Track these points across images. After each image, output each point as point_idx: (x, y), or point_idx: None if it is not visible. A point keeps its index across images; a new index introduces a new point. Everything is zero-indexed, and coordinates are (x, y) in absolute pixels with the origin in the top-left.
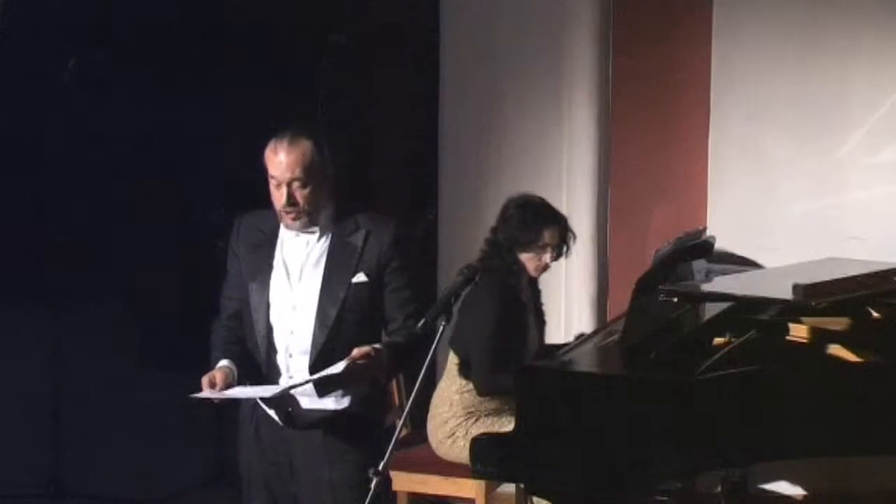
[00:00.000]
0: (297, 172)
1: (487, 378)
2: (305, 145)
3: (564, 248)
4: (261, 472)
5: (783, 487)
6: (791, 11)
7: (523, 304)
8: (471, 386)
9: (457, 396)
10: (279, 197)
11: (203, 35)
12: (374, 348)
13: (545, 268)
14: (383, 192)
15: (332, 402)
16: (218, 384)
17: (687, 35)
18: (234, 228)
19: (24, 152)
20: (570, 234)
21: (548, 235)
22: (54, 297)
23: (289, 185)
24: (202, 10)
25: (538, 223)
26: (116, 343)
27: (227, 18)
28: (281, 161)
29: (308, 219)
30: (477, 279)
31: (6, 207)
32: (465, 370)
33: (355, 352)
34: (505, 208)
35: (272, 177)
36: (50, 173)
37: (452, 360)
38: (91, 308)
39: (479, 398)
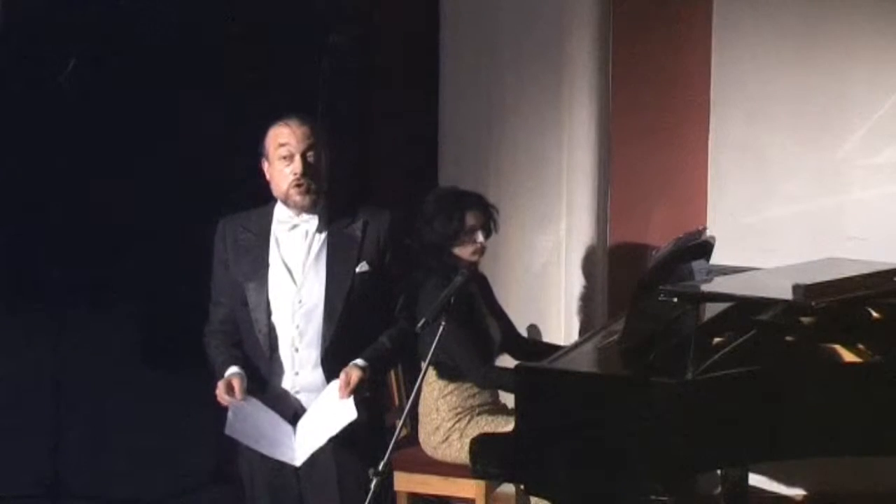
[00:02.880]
0: (313, 140)
1: (482, 371)
2: (313, 124)
3: (492, 224)
4: (265, 475)
5: (783, 487)
6: (791, 11)
7: (471, 296)
8: (451, 387)
9: (441, 401)
10: (293, 168)
11: (203, 35)
12: (360, 368)
13: (482, 249)
14: (383, 192)
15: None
16: (237, 391)
17: (687, 35)
18: (217, 232)
19: (24, 152)
20: (493, 209)
21: (471, 218)
22: (54, 297)
23: (303, 154)
24: (202, 10)
25: (458, 210)
26: (116, 343)
27: (227, 18)
28: (294, 131)
29: (315, 196)
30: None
31: (6, 207)
32: (446, 374)
33: (344, 385)
34: (421, 210)
35: (282, 146)
36: (50, 173)
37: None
38: (91, 308)
39: (462, 397)
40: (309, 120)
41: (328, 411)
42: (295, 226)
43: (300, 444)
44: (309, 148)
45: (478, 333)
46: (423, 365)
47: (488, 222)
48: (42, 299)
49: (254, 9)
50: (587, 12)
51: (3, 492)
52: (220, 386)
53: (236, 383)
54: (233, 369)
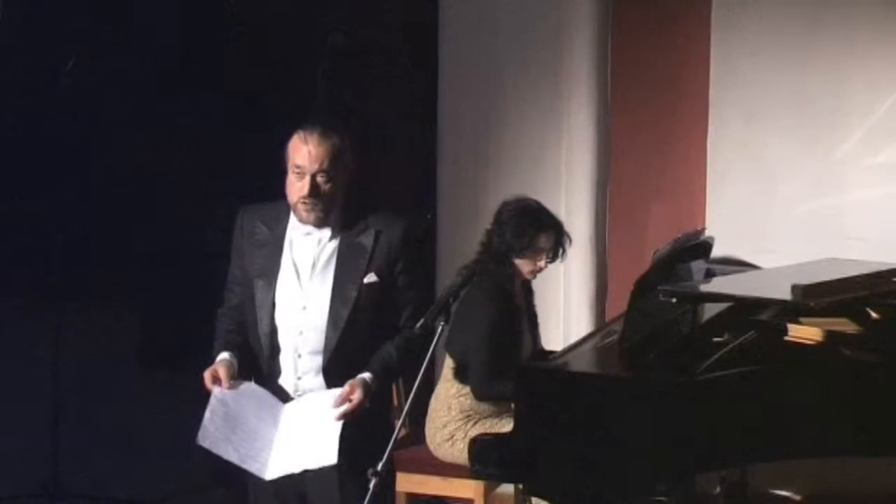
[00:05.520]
0: (325, 164)
1: (485, 385)
2: (335, 140)
3: (560, 251)
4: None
5: (783, 487)
6: (791, 12)
7: (517, 308)
8: (468, 389)
9: (454, 400)
10: (300, 187)
11: (203, 35)
12: (365, 384)
13: (540, 270)
14: (382, 193)
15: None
16: (223, 381)
17: (687, 35)
18: (237, 221)
19: (24, 152)
20: (566, 238)
21: (543, 240)
22: (54, 297)
23: (313, 176)
24: (202, 9)
25: (533, 228)
26: (116, 343)
27: (227, 18)
28: (310, 151)
29: (323, 215)
30: (474, 280)
31: (6, 207)
32: (461, 374)
33: (342, 400)
34: (499, 213)
35: (297, 166)
36: (50, 173)
37: (449, 363)
38: (91, 308)
39: (476, 401)
40: (333, 135)
41: (312, 433)
42: (308, 233)
43: (275, 459)
44: (320, 170)
45: (508, 347)
46: (441, 363)
47: (557, 249)
48: (42, 299)
49: (254, 9)
50: (586, 12)
51: (2, 492)
52: (207, 375)
53: (222, 372)
54: (223, 355)
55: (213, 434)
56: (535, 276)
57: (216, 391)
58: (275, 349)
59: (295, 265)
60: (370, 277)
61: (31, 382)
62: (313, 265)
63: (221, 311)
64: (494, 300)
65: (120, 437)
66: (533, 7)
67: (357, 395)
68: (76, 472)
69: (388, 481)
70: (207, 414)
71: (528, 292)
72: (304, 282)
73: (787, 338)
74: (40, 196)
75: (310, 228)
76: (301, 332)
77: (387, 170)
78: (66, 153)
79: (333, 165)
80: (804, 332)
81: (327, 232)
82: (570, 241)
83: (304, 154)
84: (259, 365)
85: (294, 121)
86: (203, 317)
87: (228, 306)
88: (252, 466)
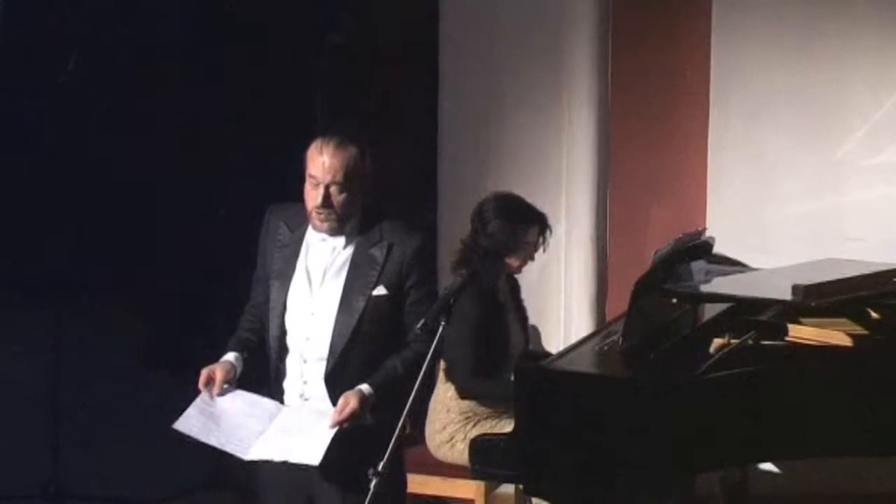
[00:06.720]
0: (339, 177)
1: (468, 381)
2: (351, 151)
3: (543, 245)
4: (276, 478)
5: (783, 487)
6: (790, 12)
7: (502, 305)
8: None
9: (453, 402)
10: (314, 197)
11: (203, 34)
12: (362, 396)
13: (526, 262)
14: (381, 193)
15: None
16: (217, 382)
17: (687, 35)
18: (264, 220)
19: (25, 151)
20: (549, 229)
21: (532, 234)
22: (54, 296)
23: (327, 187)
24: (202, 9)
25: (523, 225)
26: (116, 343)
27: (227, 18)
28: (324, 162)
29: (337, 224)
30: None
31: (7, 206)
32: (448, 374)
33: (337, 413)
34: (481, 212)
35: (311, 176)
36: (50, 172)
37: (443, 365)
38: (91, 308)
39: (475, 402)
40: (350, 146)
41: (305, 431)
42: (324, 239)
43: (260, 445)
44: (334, 181)
45: (495, 344)
46: (438, 364)
47: (542, 242)
48: (42, 299)
49: (254, 9)
50: (587, 13)
51: (2, 492)
52: (203, 373)
53: (218, 374)
54: (227, 356)
55: (194, 420)
56: (521, 270)
57: (204, 393)
58: (283, 351)
59: (308, 270)
60: (379, 290)
61: (31, 382)
62: (325, 272)
63: (247, 307)
64: (475, 298)
65: (120, 437)
66: (533, 8)
67: (350, 406)
68: (76, 472)
69: (401, 483)
70: (191, 408)
71: (514, 287)
72: (315, 288)
73: (787, 338)
74: (40, 194)
75: (325, 235)
76: (308, 338)
77: (386, 169)
78: (67, 152)
79: (348, 177)
80: (804, 333)
81: (342, 240)
82: (552, 231)
83: (319, 164)
84: (269, 366)
85: (293, 121)
86: (203, 316)
87: (253, 304)
88: (232, 448)
